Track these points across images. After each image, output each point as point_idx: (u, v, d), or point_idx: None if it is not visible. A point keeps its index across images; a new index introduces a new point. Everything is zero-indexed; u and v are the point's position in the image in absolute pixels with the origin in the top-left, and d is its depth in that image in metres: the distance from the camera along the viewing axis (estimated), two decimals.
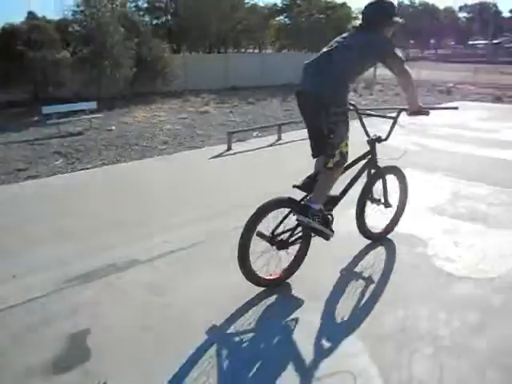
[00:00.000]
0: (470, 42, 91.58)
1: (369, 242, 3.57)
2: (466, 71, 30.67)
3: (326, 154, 3.12)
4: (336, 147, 3.08)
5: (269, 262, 3.09)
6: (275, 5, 32.87)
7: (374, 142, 3.71)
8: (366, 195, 3.61)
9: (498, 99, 19.46)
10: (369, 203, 3.62)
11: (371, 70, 29.43)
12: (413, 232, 3.63)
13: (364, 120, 3.54)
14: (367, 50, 3.06)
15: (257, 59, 25.75)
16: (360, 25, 3.28)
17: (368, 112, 3.81)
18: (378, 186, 3.68)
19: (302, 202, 3.14)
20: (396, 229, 3.68)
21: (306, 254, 3.22)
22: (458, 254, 3.22)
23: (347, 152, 3.18)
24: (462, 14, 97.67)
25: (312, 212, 2.94)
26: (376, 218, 3.58)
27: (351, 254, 3.42)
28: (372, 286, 2.92)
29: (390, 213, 3.69)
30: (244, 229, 2.91)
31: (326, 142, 3.09)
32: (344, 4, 34.35)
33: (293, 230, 3.15)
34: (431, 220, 3.86)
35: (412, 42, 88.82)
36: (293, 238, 3.16)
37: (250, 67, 24.28)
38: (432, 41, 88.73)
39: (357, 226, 3.58)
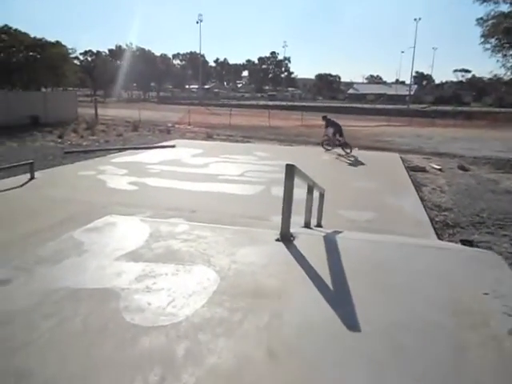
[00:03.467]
0: (186, 86, 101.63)
1: None
2: (184, 112, 33.56)
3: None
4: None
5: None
6: None
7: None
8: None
9: (209, 137, 21.84)
10: None
11: (93, 110, 28.91)
12: (107, 285, 3.34)
13: None
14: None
15: None
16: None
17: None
18: None
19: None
20: (90, 285, 3.33)
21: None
22: (149, 301, 3.08)
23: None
24: (176, 61, 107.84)
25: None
26: None
27: None
28: None
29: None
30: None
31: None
32: (57, 43, 32.90)
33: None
34: (127, 267, 3.66)
35: (135, 84, 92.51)
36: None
37: None
38: (153, 84, 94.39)
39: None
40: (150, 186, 9.84)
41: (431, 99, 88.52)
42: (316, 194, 7.04)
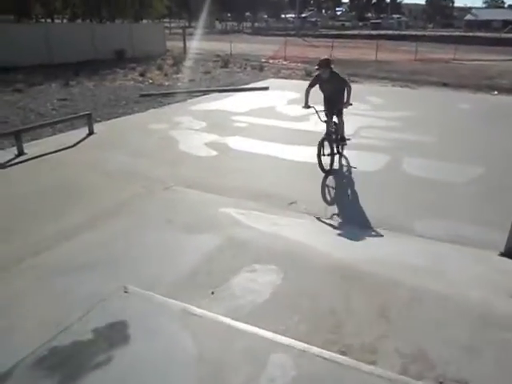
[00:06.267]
0: (282, 16, 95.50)
1: None
2: (279, 44, 30.13)
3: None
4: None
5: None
6: None
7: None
8: None
9: (308, 75, 18.62)
10: None
11: (181, 43, 26.74)
12: None
13: None
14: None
15: (39, 31, 20.59)
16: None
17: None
18: None
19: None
20: None
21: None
22: None
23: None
24: None
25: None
26: None
27: None
28: None
29: None
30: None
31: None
32: None
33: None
34: None
35: (229, 15, 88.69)
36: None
37: (29, 41, 19.15)
38: (247, 14, 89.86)
39: None
40: (233, 150, 7.36)
41: None
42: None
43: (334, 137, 6.52)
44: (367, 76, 19.40)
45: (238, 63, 22.48)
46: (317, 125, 9.02)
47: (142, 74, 16.85)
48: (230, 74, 18.43)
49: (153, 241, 4.16)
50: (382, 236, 4.34)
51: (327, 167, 6.13)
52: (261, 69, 20.32)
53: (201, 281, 3.50)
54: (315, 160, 6.61)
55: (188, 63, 21.77)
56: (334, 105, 6.28)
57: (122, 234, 4.25)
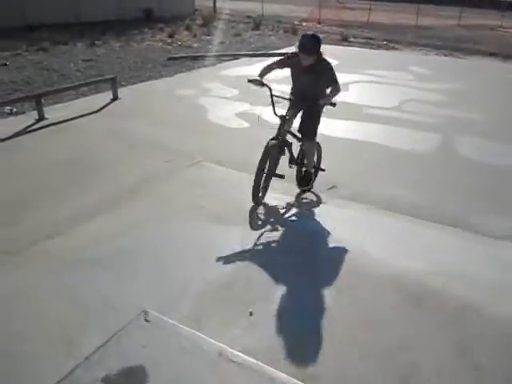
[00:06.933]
0: None
1: None
2: (312, 5, 28.67)
3: None
4: None
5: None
6: None
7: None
8: None
9: (344, 40, 17.57)
10: None
11: (210, 2, 25.69)
12: None
13: None
14: None
15: None
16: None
17: None
18: None
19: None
20: None
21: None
22: None
23: None
24: None
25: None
26: None
27: None
28: None
29: None
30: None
31: None
32: None
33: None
34: None
35: None
36: None
37: None
38: None
39: None
40: (267, 122, 6.77)
41: None
42: None
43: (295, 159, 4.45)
44: (408, 43, 18.17)
45: (270, 25, 21.43)
46: (352, 95, 8.28)
47: (170, 35, 16.10)
48: (261, 37, 17.53)
49: (176, 232, 3.65)
50: (441, 235, 3.77)
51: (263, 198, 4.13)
52: (294, 32, 19.26)
53: (236, 293, 2.94)
54: (357, 136, 5.99)
55: (218, 24, 20.85)
56: (306, 98, 4.06)
57: (141, 221, 3.78)
